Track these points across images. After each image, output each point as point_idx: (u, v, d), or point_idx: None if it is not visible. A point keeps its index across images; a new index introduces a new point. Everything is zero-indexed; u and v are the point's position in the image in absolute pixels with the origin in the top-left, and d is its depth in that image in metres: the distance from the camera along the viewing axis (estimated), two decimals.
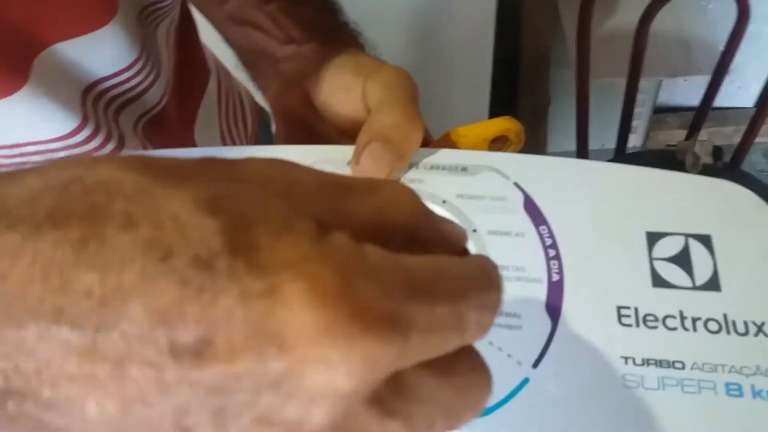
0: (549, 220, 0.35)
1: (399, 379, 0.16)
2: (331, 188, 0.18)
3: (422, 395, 0.17)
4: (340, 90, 0.41)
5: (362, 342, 0.14)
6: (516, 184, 0.37)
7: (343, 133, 0.43)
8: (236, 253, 0.15)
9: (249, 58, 0.49)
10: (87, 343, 0.14)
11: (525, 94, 1.58)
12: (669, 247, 0.34)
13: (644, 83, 1.34)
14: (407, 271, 0.16)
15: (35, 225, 0.15)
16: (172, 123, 0.51)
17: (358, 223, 0.17)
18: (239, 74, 0.54)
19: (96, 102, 0.44)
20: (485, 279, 0.18)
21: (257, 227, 0.15)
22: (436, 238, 0.19)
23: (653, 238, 0.35)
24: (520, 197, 0.36)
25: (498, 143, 0.41)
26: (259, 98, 0.66)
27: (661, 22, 1.14)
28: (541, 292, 0.33)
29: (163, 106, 0.49)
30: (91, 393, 0.15)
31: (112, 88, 0.45)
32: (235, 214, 0.16)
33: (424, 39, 1.34)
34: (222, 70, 0.63)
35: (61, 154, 0.42)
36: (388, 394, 0.16)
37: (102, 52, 0.43)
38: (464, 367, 0.18)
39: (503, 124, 0.41)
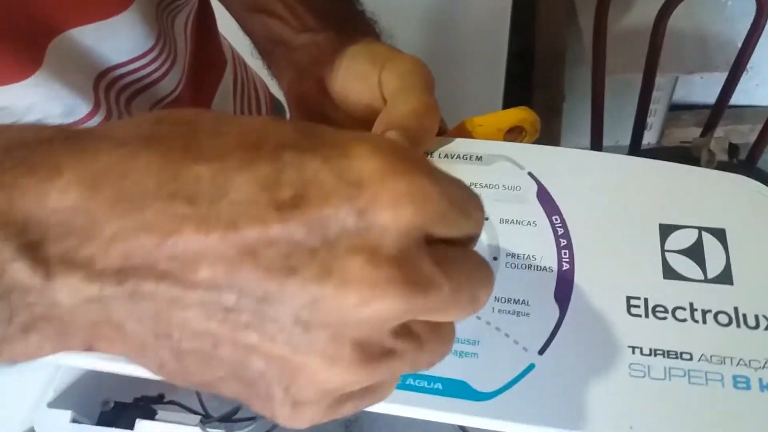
0: (562, 210, 0.36)
1: (441, 250, 0.20)
2: None
3: (460, 265, 0.21)
4: (355, 79, 0.42)
5: (419, 178, 0.19)
6: (530, 174, 0.37)
7: (358, 121, 0.43)
8: (311, 136, 0.20)
9: (265, 46, 0.49)
10: (202, 213, 0.18)
11: (540, 89, 1.58)
12: (682, 239, 0.35)
13: (660, 80, 1.34)
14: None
15: (144, 139, 0.19)
16: None
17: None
18: (255, 62, 0.55)
19: (108, 89, 0.44)
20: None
21: (320, 128, 0.20)
22: None
23: (666, 230, 0.35)
24: (534, 187, 0.37)
25: (513, 134, 0.42)
26: (274, 89, 0.67)
27: (679, 18, 1.14)
28: (550, 281, 0.34)
29: (178, 95, 0.50)
30: (204, 256, 0.18)
31: (126, 75, 0.45)
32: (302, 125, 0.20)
33: (439, 32, 1.34)
34: (238, 60, 0.63)
35: None
36: (436, 254, 0.20)
37: (117, 39, 0.43)
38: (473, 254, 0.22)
39: (519, 114, 0.41)
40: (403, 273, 0.19)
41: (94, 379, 0.35)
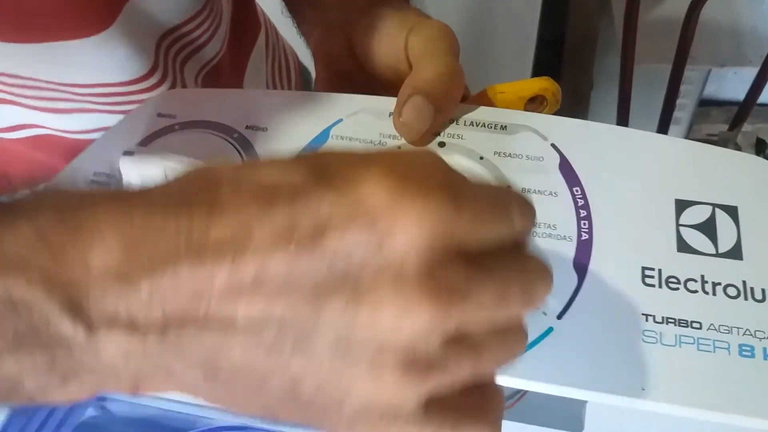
0: (583, 182, 0.38)
1: (480, 258, 0.21)
2: None
3: (508, 265, 0.22)
4: (382, 40, 0.43)
5: (433, 197, 0.20)
6: (553, 146, 0.39)
7: (382, 83, 0.44)
8: (323, 171, 0.21)
9: (295, 4, 0.50)
10: (231, 261, 0.20)
11: (568, 75, 1.59)
12: (696, 215, 0.37)
13: (691, 74, 1.34)
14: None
15: (172, 203, 0.21)
16: (224, 75, 0.53)
17: None
18: (285, 24, 0.56)
19: (168, 50, 0.46)
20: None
21: (331, 160, 0.22)
22: None
23: (682, 205, 0.37)
24: (556, 158, 0.39)
25: (534, 103, 0.43)
26: (302, 57, 0.69)
27: (714, 9, 1.14)
28: (570, 250, 0.36)
29: (221, 57, 0.52)
30: (240, 299, 0.20)
31: (181, 37, 0.47)
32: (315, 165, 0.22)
33: (470, 16, 1.36)
34: (270, 26, 0.65)
35: (128, 98, 0.45)
36: (472, 262, 0.21)
37: (173, 1, 0.45)
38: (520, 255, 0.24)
39: (541, 84, 0.43)
40: (430, 289, 0.20)
41: None
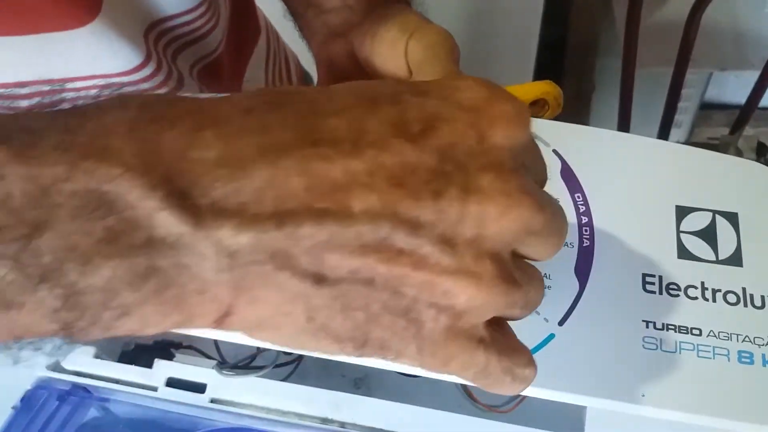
0: (584, 189, 0.38)
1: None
2: None
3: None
4: (383, 45, 0.42)
5: (517, 100, 0.22)
6: (555, 151, 0.40)
7: None
8: (418, 83, 0.23)
9: (297, 7, 0.51)
10: (346, 154, 0.20)
11: (570, 77, 1.60)
12: (696, 221, 0.37)
13: (692, 77, 1.35)
14: None
15: (268, 105, 0.21)
16: (224, 74, 0.54)
17: None
18: (286, 27, 0.56)
19: (157, 40, 0.46)
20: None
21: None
22: None
23: (682, 212, 0.38)
24: (558, 164, 0.39)
25: (536, 107, 0.44)
26: (305, 62, 0.70)
27: (716, 12, 1.14)
28: (571, 256, 0.36)
29: (218, 55, 0.52)
30: (357, 192, 0.20)
31: (174, 28, 0.47)
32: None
33: (470, 20, 1.36)
34: (271, 30, 0.65)
35: (123, 90, 0.45)
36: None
37: None
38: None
39: (543, 87, 0.43)
40: (527, 187, 0.21)
41: None
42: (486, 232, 0.21)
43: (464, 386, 0.43)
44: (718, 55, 1.38)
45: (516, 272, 0.22)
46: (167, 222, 0.18)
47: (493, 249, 0.21)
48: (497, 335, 0.24)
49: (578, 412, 0.37)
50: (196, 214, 0.19)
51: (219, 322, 0.21)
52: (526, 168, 0.23)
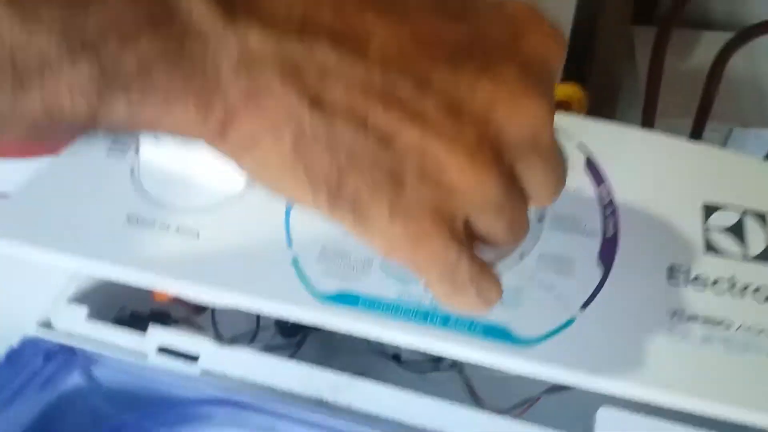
0: (609, 182, 0.37)
1: None
2: None
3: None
4: None
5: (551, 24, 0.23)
6: (580, 146, 0.39)
7: None
8: None
9: None
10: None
11: None
12: (724, 219, 0.36)
13: (712, 134, 1.34)
14: None
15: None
16: None
17: None
18: None
19: None
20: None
21: None
22: None
23: (709, 209, 0.37)
24: (582, 158, 0.39)
25: (559, 109, 0.43)
26: None
27: (740, 68, 1.15)
28: (595, 244, 0.36)
29: None
30: (380, 36, 0.20)
31: None
32: None
33: None
34: None
35: None
36: None
37: None
38: None
39: (567, 90, 0.43)
40: (547, 92, 0.22)
41: (114, 285, 0.37)
42: (494, 116, 0.21)
43: (470, 387, 0.42)
44: (740, 112, 1.38)
45: (512, 180, 0.22)
46: (202, 14, 0.19)
47: (495, 138, 0.21)
48: (471, 244, 0.23)
49: (588, 416, 0.35)
50: (230, 12, 0.19)
51: (220, 132, 0.21)
52: (549, 83, 0.22)
